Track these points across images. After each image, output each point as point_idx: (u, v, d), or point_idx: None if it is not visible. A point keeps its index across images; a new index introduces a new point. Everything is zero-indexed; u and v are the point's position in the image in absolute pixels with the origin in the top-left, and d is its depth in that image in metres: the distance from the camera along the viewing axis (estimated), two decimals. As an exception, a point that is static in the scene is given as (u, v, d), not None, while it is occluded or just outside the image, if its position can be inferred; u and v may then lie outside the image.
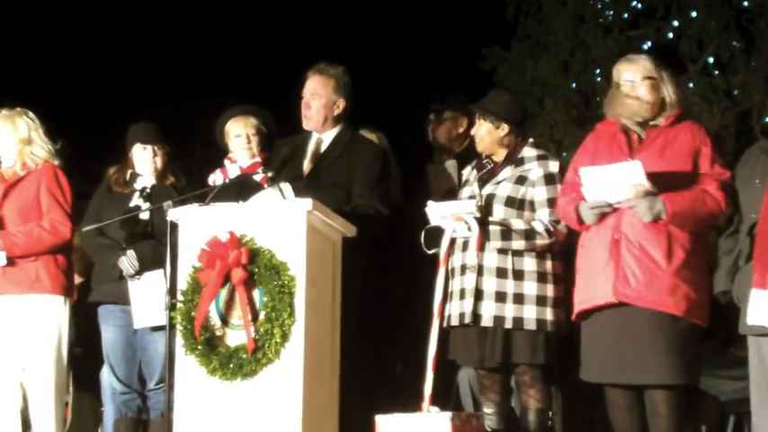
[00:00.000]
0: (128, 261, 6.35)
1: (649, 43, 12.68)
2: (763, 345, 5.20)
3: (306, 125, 6.44)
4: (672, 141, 5.53)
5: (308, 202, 5.36)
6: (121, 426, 6.53)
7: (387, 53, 14.19)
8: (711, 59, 12.58)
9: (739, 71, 12.17)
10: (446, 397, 6.49)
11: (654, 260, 5.39)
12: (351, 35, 14.06)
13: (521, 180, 5.98)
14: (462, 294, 5.91)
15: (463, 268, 5.94)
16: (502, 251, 5.87)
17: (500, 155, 6.11)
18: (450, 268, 5.98)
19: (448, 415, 5.32)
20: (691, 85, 12.16)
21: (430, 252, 5.94)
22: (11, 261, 6.41)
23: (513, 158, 6.08)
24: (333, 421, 5.53)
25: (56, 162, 6.65)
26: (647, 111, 5.61)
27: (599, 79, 12.58)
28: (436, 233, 5.94)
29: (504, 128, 6.09)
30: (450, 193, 6.71)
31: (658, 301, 5.37)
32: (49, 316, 6.44)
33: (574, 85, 13.06)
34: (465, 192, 6.14)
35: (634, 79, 5.65)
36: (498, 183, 6.00)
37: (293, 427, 5.17)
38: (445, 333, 5.98)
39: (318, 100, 6.36)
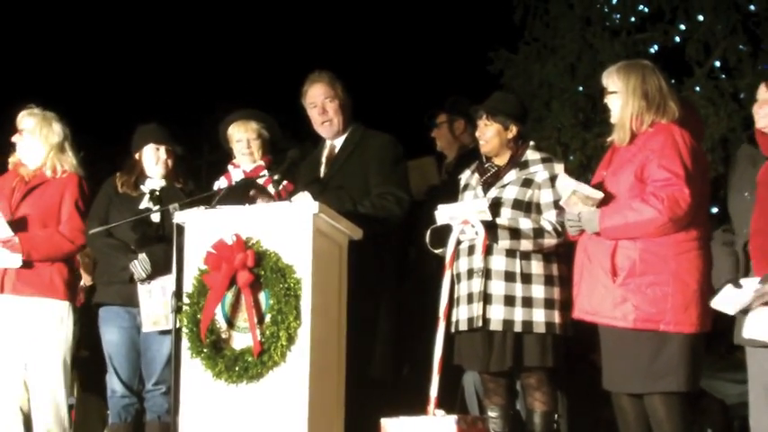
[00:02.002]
0: (140, 265, 6.33)
1: (656, 47, 12.70)
2: (759, 355, 5.19)
3: (327, 132, 6.41)
4: (629, 152, 5.49)
5: (314, 205, 5.37)
6: (120, 430, 6.50)
7: (395, 57, 14.21)
8: (718, 63, 12.60)
9: (746, 75, 12.17)
10: (452, 400, 6.50)
11: (603, 274, 5.41)
12: (360, 39, 14.09)
13: (527, 183, 5.96)
14: (470, 299, 5.89)
15: (470, 272, 5.93)
16: (510, 254, 5.87)
17: (503, 158, 6.10)
18: (455, 273, 5.98)
19: (453, 418, 5.31)
20: (697, 88, 12.19)
21: (436, 251, 5.94)
22: (27, 263, 6.45)
23: (517, 161, 6.06)
24: (339, 424, 5.54)
25: (81, 173, 6.70)
26: (616, 127, 5.57)
27: (606, 83, 12.55)
28: (442, 232, 5.94)
29: (513, 129, 6.08)
30: (433, 190, 6.74)
31: (607, 315, 5.39)
32: (58, 320, 6.48)
33: (581, 88, 13.08)
34: (467, 196, 6.11)
35: (606, 92, 5.65)
36: (504, 186, 5.99)
37: (299, 430, 5.17)
38: (451, 337, 5.98)
39: (333, 102, 6.36)
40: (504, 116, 6.09)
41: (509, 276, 5.86)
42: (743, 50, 12.44)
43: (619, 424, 5.60)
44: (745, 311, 5.12)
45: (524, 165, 6.04)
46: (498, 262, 5.88)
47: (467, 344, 5.96)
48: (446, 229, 5.92)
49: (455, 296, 5.98)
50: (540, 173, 5.97)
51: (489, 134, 6.08)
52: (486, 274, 5.87)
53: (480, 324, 5.82)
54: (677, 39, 12.76)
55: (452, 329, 5.95)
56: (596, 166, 5.91)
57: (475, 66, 13.41)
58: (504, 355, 5.82)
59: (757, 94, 5.39)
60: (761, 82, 5.42)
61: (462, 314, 5.92)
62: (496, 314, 5.82)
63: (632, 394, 5.45)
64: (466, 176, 6.25)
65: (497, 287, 5.85)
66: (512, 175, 6.01)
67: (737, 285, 5.12)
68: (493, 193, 5.98)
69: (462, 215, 5.86)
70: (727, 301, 5.15)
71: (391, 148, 6.31)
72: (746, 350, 5.29)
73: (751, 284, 5.06)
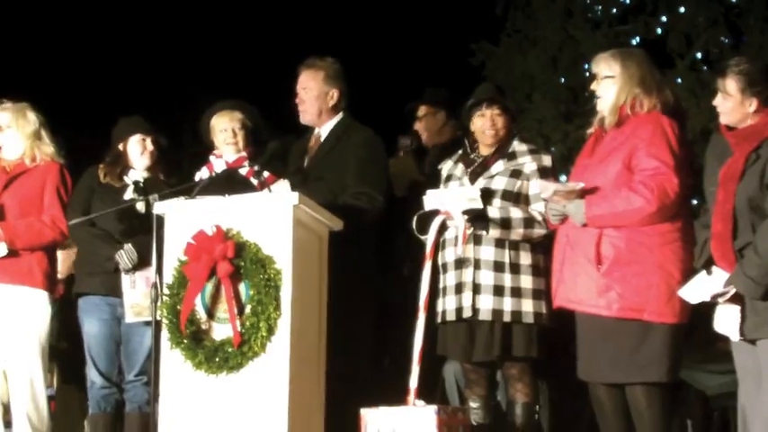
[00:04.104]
0: (126, 255, 6.32)
1: (638, 39, 12.72)
2: (742, 346, 5.20)
3: (302, 120, 6.44)
4: (615, 141, 5.49)
5: (294, 196, 5.36)
6: (99, 420, 6.52)
7: (376, 49, 14.19)
8: (700, 55, 12.63)
9: (728, 67, 12.16)
10: (432, 391, 6.49)
11: (587, 262, 5.40)
12: (341, 31, 14.07)
13: (515, 174, 5.95)
14: (459, 288, 5.89)
15: (458, 262, 5.93)
16: (499, 244, 5.87)
17: (489, 148, 6.10)
18: (441, 263, 5.98)
19: (433, 408, 5.31)
20: (679, 80, 12.19)
21: (422, 237, 5.92)
22: (9, 252, 6.43)
23: (505, 152, 6.06)
24: (319, 414, 5.54)
25: (61, 160, 6.68)
26: (608, 111, 5.58)
27: (587, 74, 12.56)
28: (430, 219, 5.92)
29: (510, 120, 6.14)
30: (415, 185, 6.73)
31: (590, 303, 5.38)
32: (36, 309, 6.46)
33: (562, 80, 13.10)
34: (452, 186, 6.11)
35: (598, 77, 5.65)
36: (492, 177, 5.97)
37: (279, 421, 5.17)
38: (434, 328, 5.97)
39: (310, 92, 6.36)
40: (509, 107, 6.16)
41: (498, 267, 5.87)
42: (725, 42, 12.48)
43: (597, 416, 5.60)
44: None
45: (512, 156, 6.03)
46: (487, 252, 5.87)
47: (452, 334, 5.95)
48: (434, 216, 5.91)
49: (440, 286, 5.99)
50: (528, 164, 5.97)
51: (501, 124, 6.07)
52: (476, 264, 5.87)
53: (470, 314, 5.82)
54: (659, 31, 12.79)
55: (438, 320, 5.95)
56: (577, 159, 5.91)
57: (456, 58, 13.41)
58: (491, 345, 5.83)
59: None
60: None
61: (450, 304, 5.92)
62: (485, 304, 5.82)
63: (611, 385, 5.46)
64: (448, 167, 6.23)
65: (486, 277, 5.85)
66: (499, 165, 6.01)
67: (709, 272, 5.14)
68: (480, 183, 5.97)
69: (452, 201, 5.85)
70: (692, 289, 5.18)
71: (372, 145, 6.29)
72: (731, 341, 5.30)
73: (719, 276, 5.08)
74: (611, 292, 5.34)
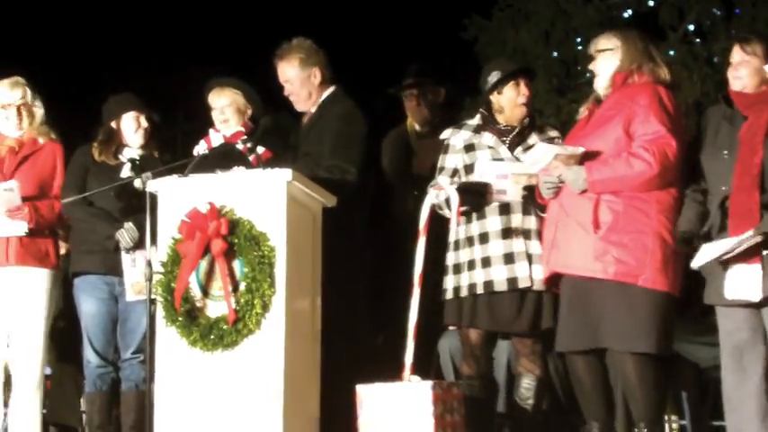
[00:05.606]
0: (128, 234, 6.33)
1: (630, 11, 12.71)
2: (734, 315, 5.24)
3: (297, 108, 6.44)
4: (612, 109, 5.53)
5: (287, 173, 5.35)
6: (96, 399, 6.55)
7: (367, 22, 14.17)
8: (692, 27, 12.62)
9: (720, 39, 12.19)
10: (427, 366, 6.51)
11: (582, 228, 5.42)
12: (331, 4, 14.05)
13: None
14: (509, 258, 5.88)
15: (506, 232, 5.91)
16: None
17: (519, 120, 6.08)
18: (478, 233, 5.96)
19: (429, 384, 5.33)
20: (671, 53, 12.19)
21: (463, 209, 5.88)
22: (29, 233, 6.47)
23: (535, 124, 6.13)
24: (314, 391, 5.55)
25: (56, 138, 6.70)
26: (603, 83, 5.65)
27: (580, 48, 12.59)
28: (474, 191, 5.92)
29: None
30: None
31: (586, 267, 5.39)
32: (49, 289, 6.55)
33: (555, 54, 13.08)
34: (481, 155, 6.01)
35: (594, 53, 5.70)
36: (529, 148, 5.94)
37: (274, 398, 5.18)
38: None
39: (294, 83, 6.36)
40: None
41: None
42: (717, 15, 12.46)
43: (576, 392, 5.62)
44: (723, 264, 5.17)
45: (541, 128, 6.12)
46: (538, 223, 5.91)
47: (485, 305, 5.92)
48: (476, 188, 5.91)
49: (476, 257, 5.96)
50: (557, 139, 6.02)
51: (525, 99, 6.09)
52: (525, 233, 5.89)
53: (528, 284, 5.83)
54: (651, 3, 12.77)
55: (480, 290, 5.90)
56: (570, 132, 5.92)
57: (448, 32, 13.40)
58: (540, 317, 5.87)
59: (731, 57, 5.43)
60: (734, 44, 5.46)
61: (499, 274, 5.88)
62: (538, 274, 5.83)
63: (590, 358, 5.47)
64: (465, 137, 6.12)
65: (536, 247, 5.87)
66: (534, 137, 6.04)
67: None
68: (519, 153, 5.99)
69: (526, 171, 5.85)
70: (707, 252, 5.20)
71: (347, 117, 6.22)
72: (717, 310, 5.35)
73: (726, 239, 5.13)
74: (607, 256, 5.36)
